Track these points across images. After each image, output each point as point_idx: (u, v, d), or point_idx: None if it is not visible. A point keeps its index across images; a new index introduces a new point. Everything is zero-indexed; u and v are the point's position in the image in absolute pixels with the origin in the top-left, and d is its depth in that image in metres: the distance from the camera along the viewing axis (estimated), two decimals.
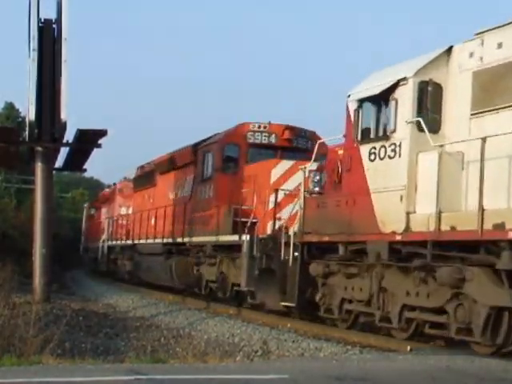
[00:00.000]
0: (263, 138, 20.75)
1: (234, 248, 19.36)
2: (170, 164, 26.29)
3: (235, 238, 19.08)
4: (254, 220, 18.55)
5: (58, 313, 17.00)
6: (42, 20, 20.38)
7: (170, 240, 24.67)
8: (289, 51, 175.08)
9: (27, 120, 20.65)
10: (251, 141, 20.81)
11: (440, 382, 9.11)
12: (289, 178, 18.52)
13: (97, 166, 67.53)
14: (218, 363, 10.55)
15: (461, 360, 10.70)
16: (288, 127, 20.65)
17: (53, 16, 20.56)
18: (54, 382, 8.00)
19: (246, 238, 18.30)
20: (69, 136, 20.34)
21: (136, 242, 29.64)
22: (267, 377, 8.75)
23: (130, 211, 34.03)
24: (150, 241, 27.31)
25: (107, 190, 44.60)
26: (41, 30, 20.21)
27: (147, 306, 22.63)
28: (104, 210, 42.52)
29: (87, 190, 70.82)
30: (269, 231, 18.07)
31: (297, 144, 20.79)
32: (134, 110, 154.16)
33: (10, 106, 49.44)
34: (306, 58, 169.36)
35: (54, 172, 22.80)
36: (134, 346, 13.77)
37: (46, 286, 20.10)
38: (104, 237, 37.76)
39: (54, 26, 20.42)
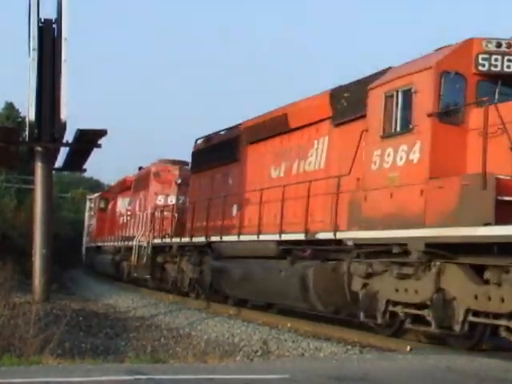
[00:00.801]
0: (505, 63, 12.60)
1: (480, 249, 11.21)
2: (276, 126, 18.08)
3: None
4: None
5: (57, 313, 17.00)
6: (42, 20, 20.45)
7: (300, 236, 15.80)
8: (288, 51, 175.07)
9: (27, 120, 20.69)
10: (485, 68, 12.61)
11: (440, 382, 9.10)
12: None
13: (97, 166, 67.48)
14: (217, 363, 10.53)
15: (461, 360, 10.68)
16: None
17: (53, 16, 20.64)
18: (54, 381, 7.99)
19: None
20: (69, 136, 20.41)
21: (214, 239, 20.44)
22: (267, 377, 8.74)
23: (171, 200, 27.30)
24: (247, 237, 18.33)
25: (131, 175, 35.29)
26: (41, 30, 20.26)
27: (147, 306, 22.60)
28: (123, 201, 35.52)
29: (87, 190, 70.82)
30: None
31: None
32: (133, 110, 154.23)
33: (10, 106, 49.37)
34: (305, 58, 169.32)
35: (53, 172, 22.82)
36: (133, 346, 13.77)
37: (46, 286, 20.13)
38: (140, 233, 28.46)
39: (54, 25, 20.47)
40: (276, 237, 16.69)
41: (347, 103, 15.12)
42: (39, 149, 20.11)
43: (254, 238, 17.73)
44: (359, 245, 13.81)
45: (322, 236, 15.00)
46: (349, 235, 13.96)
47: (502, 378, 9.29)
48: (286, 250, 16.52)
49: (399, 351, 12.15)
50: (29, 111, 20.06)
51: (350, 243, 14.02)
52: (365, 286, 13.76)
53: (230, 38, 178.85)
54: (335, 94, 15.59)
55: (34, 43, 19.97)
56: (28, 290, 20.48)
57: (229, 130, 21.67)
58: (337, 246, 14.64)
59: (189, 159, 26.85)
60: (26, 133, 20.75)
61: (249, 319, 17.90)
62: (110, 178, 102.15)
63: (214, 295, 21.71)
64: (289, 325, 16.40)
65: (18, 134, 23.47)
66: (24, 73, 20.41)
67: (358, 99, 14.40)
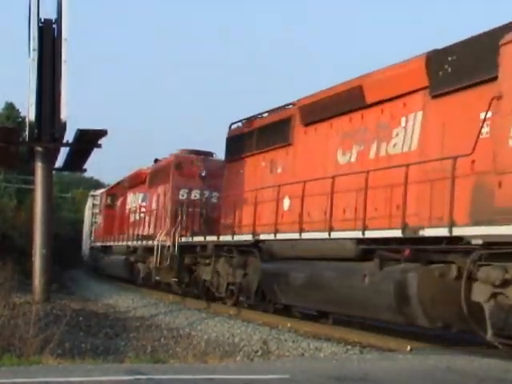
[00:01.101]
0: None
1: None
2: (345, 103, 15.18)
3: None
4: None
5: (57, 313, 17.01)
6: (42, 20, 20.49)
7: (394, 233, 12.53)
8: (289, 51, 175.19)
9: (27, 120, 20.72)
10: None
11: (440, 382, 9.09)
12: None
13: (97, 166, 67.63)
14: (218, 363, 10.53)
15: (461, 360, 10.67)
16: None
17: (53, 16, 20.67)
18: (54, 381, 7.98)
19: None
20: (69, 136, 20.44)
21: (264, 237, 17.37)
22: (267, 377, 8.72)
23: (195, 194, 24.62)
24: (313, 235, 15.12)
25: (145, 168, 31.83)
26: (41, 30, 20.29)
27: (147, 306, 22.61)
28: (135, 197, 32.42)
29: (87, 190, 70.87)
30: None
31: None
32: (133, 110, 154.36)
33: (10, 106, 49.39)
34: (305, 58, 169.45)
35: (53, 172, 22.84)
36: (133, 346, 13.78)
37: (46, 286, 20.15)
38: (162, 232, 25.10)
39: (54, 26, 20.50)
40: (356, 234, 13.45)
41: (453, 68, 12.13)
42: (39, 149, 20.13)
43: (324, 235, 14.50)
44: (487, 244, 10.51)
45: (429, 233, 11.65)
46: (475, 231, 10.57)
47: (502, 378, 9.28)
48: (369, 251, 13.36)
49: (399, 351, 12.14)
50: (29, 111, 20.08)
51: (476, 242, 10.59)
52: (494, 296, 10.54)
53: (229, 38, 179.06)
54: (434, 58, 12.56)
55: (34, 43, 20.00)
56: (28, 290, 20.49)
57: (276, 110, 18.66)
58: (450, 246, 11.40)
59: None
60: (26, 133, 20.77)
61: (249, 319, 17.88)
62: (110, 177, 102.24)
63: (261, 303, 18.70)
64: (289, 325, 16.38)
65: (18, 133, 23.49)
66: (24, 73, 20.50)
67: (478, 60, 11.45)
